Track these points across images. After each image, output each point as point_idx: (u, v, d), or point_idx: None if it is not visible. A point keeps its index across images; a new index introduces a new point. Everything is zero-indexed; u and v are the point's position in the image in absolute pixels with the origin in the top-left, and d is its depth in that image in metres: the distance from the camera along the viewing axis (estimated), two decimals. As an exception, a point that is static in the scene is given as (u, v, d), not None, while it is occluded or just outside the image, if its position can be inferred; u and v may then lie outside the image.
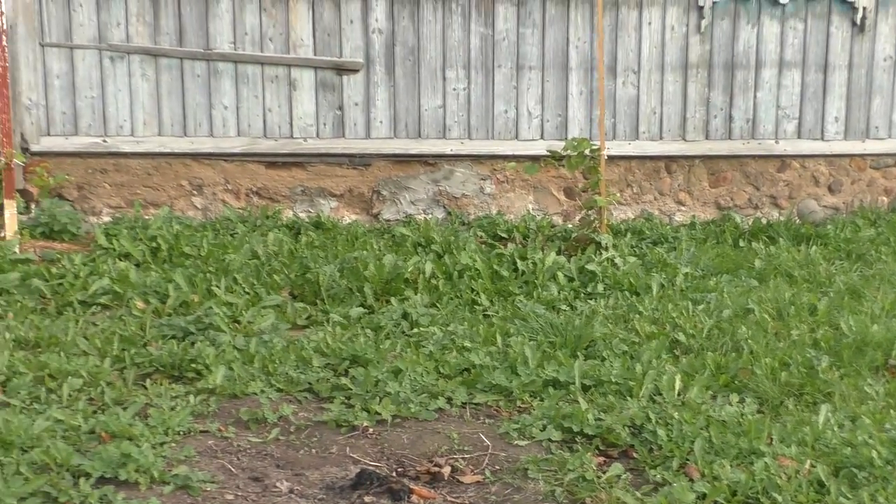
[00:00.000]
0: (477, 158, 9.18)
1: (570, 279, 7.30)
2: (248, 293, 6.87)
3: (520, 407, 5.25)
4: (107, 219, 8.77)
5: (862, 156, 9.72)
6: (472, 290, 7.05)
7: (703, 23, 9.19)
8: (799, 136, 9.56)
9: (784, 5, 9.27)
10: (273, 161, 8.95)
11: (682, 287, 7.24)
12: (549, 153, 8.27)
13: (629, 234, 8.46)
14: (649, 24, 9.20)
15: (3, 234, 7.30)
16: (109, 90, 8.65)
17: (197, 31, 8.69)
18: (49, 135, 8.61)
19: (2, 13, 7.06)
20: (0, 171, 7.23)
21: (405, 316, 6.49)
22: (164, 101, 8.73)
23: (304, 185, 9.02)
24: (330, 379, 5.47)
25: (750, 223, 9.25)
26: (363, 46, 8.91)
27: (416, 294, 6.95)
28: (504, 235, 8.70)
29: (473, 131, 9.12)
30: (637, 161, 9.33)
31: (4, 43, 7.10)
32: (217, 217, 8.84)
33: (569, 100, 9.19)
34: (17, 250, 7.10)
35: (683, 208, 9.56)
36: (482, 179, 9.23)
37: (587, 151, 7.99)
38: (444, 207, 9.21)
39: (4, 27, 7.07)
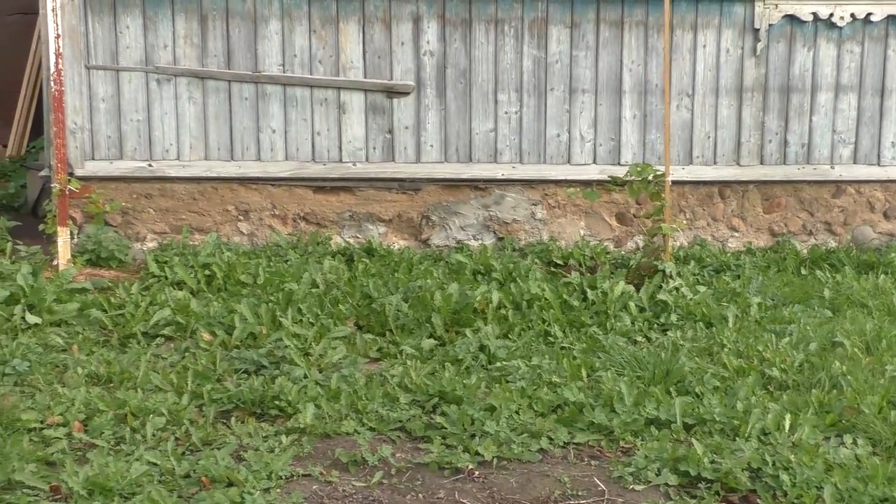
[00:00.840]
0: (528, 183, 8.97)
1: (641, 309, 7.09)
2: (313, 324, 6.64)
3: (623, 447, 5.04)
4: (151, 244, 8.53)
5: (920, 181, 9.53)
6: (544, 321, 6.83)
7: (759, 45, 9.01)
8: (854, 162, 9.37)
9: (841, 28, 9.09)
10: (321, 186, 8.73)
11: (757, 318, 7.03)
12: (609, 178, 8.07)
13: (692, 262, 8.23)
14: (704, 46, 9.02)
15: (56, 262, 7.06)
16: (156, 113, 8.42)
17: (245, 53, 8.48)
18: (94, 159, 8.38)
19: (58, 35, 6.83)
20: (55, 198, 6.97)
21: (482, 348, 6.26)
22: (210, 124, 8.51)
23: (352, 210, 8.79)
24: (421, 417, 5.24)
25: (807, 250, 9.05)
26: (414, 69, 8.70)
27: (485, 325, 6.73)
28: (559, 262, 8.49)
29: (525, 155, 8.92)
30: (690, 186, 9.13)
31: (60, 66, 6.86)
32: (265, 243, 8.62)
33: (622, 123, 8.99)
34: (73, 279, 6.84)
35: (737, 234, 9.35)
36: (533, 205, 9.02)
37: (650, 177, 7.78)
38: (495, 233, 8.99)
39: (60, 50, 6.84)
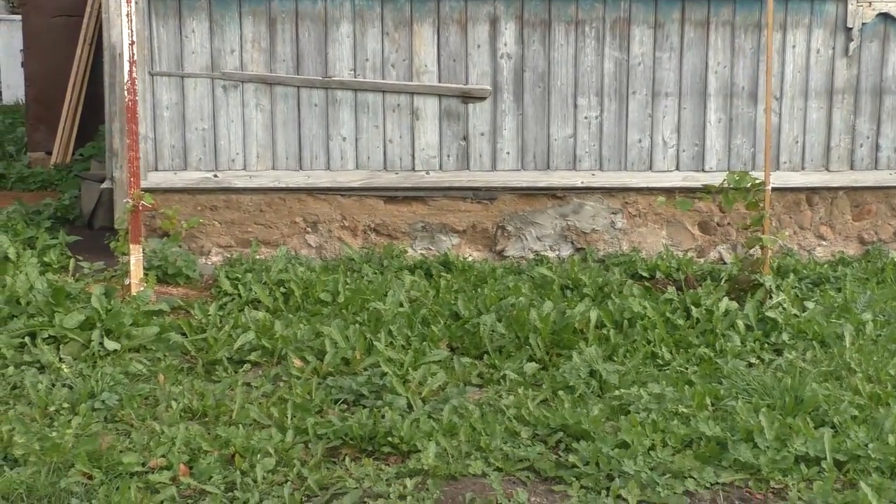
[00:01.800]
0: (608, 191, 8.55)
1: (749, 328, 6.66)
2: (406, 347, 6.23)
3: (773, 488, 4.61)
4: (216, 259, 8.14)
5: None
6: (648, 342, 6.40)
7: (851, 45, 8.58)
8: (949, 166, 8.94)
9: (936, 26, 8.67)
10: (393, 196, 8.32)
11: (874, 336, 6.60)
12: (701, 186, 7.66)
13: (790, 275, 7.79)
14: (793, 47, 8.59)
15: (128, 282, 6.65)
16: (221, 121, 8.03)
17: (315, 58, 8.07)
18: (157, 170, 7.99)
19: (132, 42, 6.42)
20: (128, 214, 6.57)
21: (592, 373, 5.84)
22: (278, 132, 8.11)
23: (424, 220, 8.38)
24: (548, 455, 4.83)
25: (899, 259, 8.63)
26: (490, 72, 8.29)
27: (587, 346, 6.31)
28: (645, 275, 8.06)
29: (605, 162, 8.50)
30: (777, 193, 8.67)
31: (135, 74, 6.46)
32: (334, 256, 8.22)
33: (706, 128, 8.57)
34: (150, 301, 6.45)
35: (824, 243, 8.93)
36: (613, 213, 8.60)
37: (748, 185, 7.35)
38: (573, 243, 8.58)
39: (134, 57, 6.44)
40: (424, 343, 6.27)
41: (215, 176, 8.03)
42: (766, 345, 6.50)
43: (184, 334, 6.34)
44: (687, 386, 5.66)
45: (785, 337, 6.55)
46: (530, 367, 6.03)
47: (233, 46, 7.95)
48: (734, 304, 6.89)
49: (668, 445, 4.88)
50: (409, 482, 4.48)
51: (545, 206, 8.52)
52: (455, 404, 5.32)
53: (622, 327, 6.61)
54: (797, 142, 8.71)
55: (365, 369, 5.91)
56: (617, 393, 5.50)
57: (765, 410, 5.15)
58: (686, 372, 5.98)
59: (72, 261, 7.55)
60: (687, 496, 4.49)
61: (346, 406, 5.46)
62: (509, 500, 4.34)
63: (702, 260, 8.66)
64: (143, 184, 7.80)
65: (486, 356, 6.25)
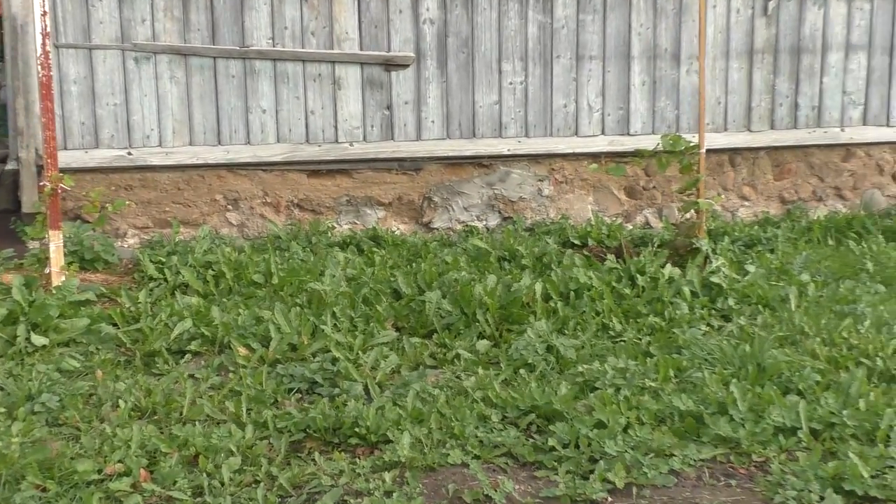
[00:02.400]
0: (534, 158, 8.40)
1: (694, 294, 6.58)
2: (353, 329, 5.99)
3: (756, 461, 4.51)
4: (132, 241, 7.77)
5: (928, 142, 9.21)
6: (597, 313, 6.27)
7: (770, 5, 8.55)
8: (864, 123, 9.01)
9: (852, -16, 8.69)
10: (316, 169, 8.03)
11: (816, 298, 6.58)
12: (636, 151, 7.53)
13: (725, 238, 7.74)
14: (714, 6, 8.52)
15: (47, 271, 6.26)
16: (134, 95, 7.62)
17: (231, 27, 7.72)
18: (66, 148, 7.55)
19: (45, 13, 6.01)
20: (45, 198, 6.18)
21: (549, 348, 5.68)
22: (195, 106, 7.74)
23: (349, 194, 8.12)
24: (523, 439, 4.65)
25: (823, 217, 8.65)
26: (413, 38, 8.03)
27: (535, 320, 6.15)
28: (577, 242, 7.94)
29: (531, 128, 8.33)
30: (690, 155, 8.62)
31: (48, 48, 6.05)
32: (258, 234, 7.91)
33: (630, 91, 8.46)
34: (75, 290, 6.08)
35: (747, 203, 8.92)
36: (540, 180, 8.45)
37: (682, 148, 7.26)
38: (500, 213, 8.41)
39: (47, 29, 6.02)
40: (371, 324, 6.04)
41: (129, 154, 7.64)
42: (713, 311, 6.43)
43: (115, 325, 6.00)
44: (647, 358, 5.53)
45: (731, 302, 6.48)
46: (482, 344, 5.85)
47: (143, 15, 7.54)
48: (677, 271, 6.80)
49: (643, 423, 4.75)
50: (386, 476, 4.26)
51: (472, 176, 8.33)
52: (417, 389, 5.11)
53: (569, 299, 6.46)
54: (720, 103, 8.66)
55: (313, 355, 5.67)
56: (580, 369, 5.34)
57: (735, 382, 5.05)
58: (640, 343, 5.86)
59: (-20, 249, 7.11)
60: (673, 475, 4.36)
61: (300, 395, 5.22)
62: (496, 490, 4.15)
63: (629, 225, 8.58)
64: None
65: (434, 335, 6.05)
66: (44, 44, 6.03)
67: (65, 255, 7.03)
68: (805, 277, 6.90)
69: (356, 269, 6.92)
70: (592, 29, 8.30)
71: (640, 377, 5.21)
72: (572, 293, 6.49)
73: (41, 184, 6.26)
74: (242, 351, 5.64)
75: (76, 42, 7.44)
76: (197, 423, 4.74)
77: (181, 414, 4.88)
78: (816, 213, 8.86)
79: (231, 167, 7.85)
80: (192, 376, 5.38)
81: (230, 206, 7.93)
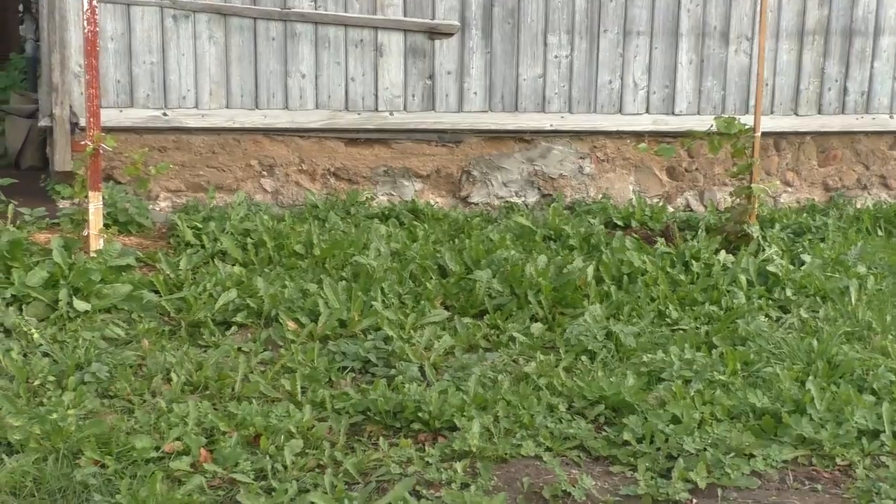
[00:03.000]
0: (577, 135, 8.17)
1: (750, 283, 6.38)
2: (403, 306, 5.79)
3: (840, 465, 4.32)
4: (164, 204, 7.54)
5: (980, 131, 9.00)
6: (652, 299, 6.07)
7: (825, -16, 8.31)
8: (915, 111, 8.78)
9: (908, -35, 8.45)
10: (355, 138, 7.80)
11: (875, 291, 6.39)
12: (688, 132, 7.33)
13: (776, 225, 7.53)
14: (765, -15, 8.27)
15: (85, 233, 6.04)
16: (171, 55, 7.38)
17: (273, -13, 7.46)
18: (101, 107, 7.28)
19: (93, -35, 5.76)
20: (86, 157, 5.94)
21: (609, 335, 5.48)
22: (233, 68, 7.49)
23: (387, 164, 7.89)
24: (593, 431, 4.45)
25: (871, 206, 8.45)
26: (458, 6, 7.79)
27: (590, 303, 5.96)
28: (619, 223, 7.73)
29: (574, 104, 8.10)
30: (745, 138, 8.40)
31: (95, 2, 5.80)
32: (292, 202, 7.69)
33: (677, 70, 8.23)
34: (116, 254, 5.85)
35: (790, 189, 8.72)
36: (581, 158, 8.23)
37: (737, 131, 7.05)
38: (539, 189, 8.19)
39: (95, -18, 5.78)
40: (421, 302, 5.84)
41: (165, 115, 7.40)
42: (770, 301, 6.23)
43: (156, 292, 5.78)
44: (710, 349, 5.34)
45: (788, 292, 6.28)
46: (536, 327, 5.66)
47: (184, -27, 7.29)
48: (730, 258, 6.61)
49: (718, 419, 4.55)
50: (458, 466, 4.06)
51: (512, 151, 8.11)
52: (477, 373, 4.91)
53: (621, 283, 6.27)
54: (767, 84, 8.43)
55: (364, 332, 5.48)
56: (644, 359, 5.14)
57: (811, 380, 4.85)
58: (699, 332, 5.66)
59: (10, 206, 6.86)
60: (755, 476, 4.17)
61: (354, 374, 5.02)
62: (574, 486, 3.95)
63: (670, 207, 8.36)
64: (85, 122, 7.16)
65: (486, 316, 5.84)
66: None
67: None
68: (861, 269, 6.70)
69: (399, 244, 6.70)
70: (641, 3, 8.06)
71: (707, 370, 5.01)
72: (625, 277, 6.29)
73: (82, 142, 6.03)
74: (291, 325, 5.44)
75: (114, -4, 7.19)
76: (252, 400, 4.53)
77: (234, 390, 4.67)
78: (861, 202, 8.66)
79: (267, 132, 7.62)
80: (240, 350, 5.17)
81: (265, 173, 7.70)
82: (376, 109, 7.75)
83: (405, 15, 7.68)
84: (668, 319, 5.88)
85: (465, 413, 4.48)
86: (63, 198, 7.32)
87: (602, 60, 8.07)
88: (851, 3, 8.44)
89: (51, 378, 4.57)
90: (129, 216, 6.90)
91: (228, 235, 6.59)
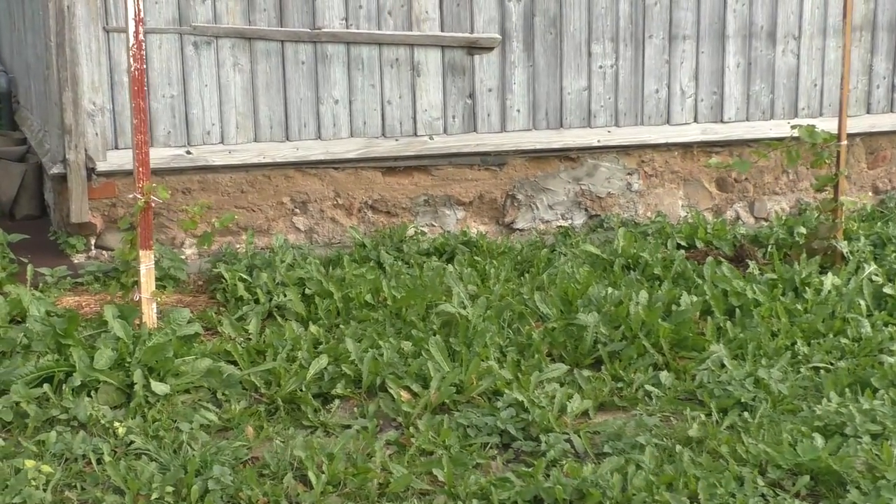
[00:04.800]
0: (624, 149, 7.59)
1: (868, 309, 5.86)
2: (513, 361, 5.14)
3: None
4: (190, 252, 6.79)
5: None
6: (773, 334, 5.51)
7: (870, -25, 7.85)
8: (963, 105, 8.37)
9: (957, -47, 8.02)
10: (393, 166, 7.12)
11: None
12: (765, 142, 6.79)
13: (861, 238, 7.01)
14: (811, -20, 7.79)
15: (136, 297, 5.28)
16: (193, 86, 6.62)
17: (300, 6, 6.75)
18: (117, 148, 6.54)
19: (138, -8, 5.00)
20: (136, 212, 5.19)
21: (757, 382, 4.89)
22: (260, 96, 6.76)
23: (427, 193, 7.23)
24: (811, 509, 3.87)
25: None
26: (498, 18, 7.15)
27: (707, 343, 5.37)
28: (683, 244, 7.16)
29: (621, 117, 7.52)
30: (795, 143, 7.90)
31: (141, 36, 5.04)
32: (329, 240, 7.00)
33: (725, 74, 7.70)
34: (185, 322, 5.10)
35: (839, 194, 8.22)
36: (629, 174, 7.66)
37: (820, 140, 6.54)
38: (586, 210, 7.59)
39: (141, 13, 5.01)
40: (531, 355, 5.20)
41: (188, 153, 6.64)
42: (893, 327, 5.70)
43: (232, 363, 5.05)
44: (873, 392, 4.79)
45: (913, 316, 5.77)
46: (664, 377, 5.05)
47: (204, -6, 6.54)
48: (839, 281, 6.08)
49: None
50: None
51: (557, 170, 7.49)
52: (643, 441, 4.29)
53: (733, 316, 5.70)
54: (815, 85, 7.95)
55: (483, 396, 4.82)
56: (818, 411, 4.56)
57: None
58: (840, 371, 5.09)
59: (29, 267, 6.07)
60: None
61: (496, 451, 4.37)
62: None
63: (718, 219, 7.81)
64: (102, 165, 6.42)
65: (602, 366, 5.22)
66: (136, 31, 5.02)
67: (122, 272, 6.07)
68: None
69: (473, 285, 6.05)
70: (686, 5, 7.51)
71: (890, 420, 4.45)
72: (737, 310, 5.72)
73: (131, 196, 5.26)
74: (406, 396, 4.75)
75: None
76: (403, 497, 3.86)
77: (381, 486, 3.98)
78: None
79: (300, 166, 6.90)
80: (346, 427, 4.49)
81: (297, 210, 6.98)
82: (415, 134, 7.08)
83: (442, 30, 7.02)
84: (799, 357, 5.31)
85: (656, 497, 3.86)
86: (78, 252, 6.56)
87: (648, 68, 7.50)
88: (882, -6, 8.00)
89: (168, 489, 3.84)
90: (162, 270, 6.13)
91: (289, 287, 5.87)
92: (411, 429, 4.48)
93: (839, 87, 7.74)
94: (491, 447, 4.41)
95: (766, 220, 7.97)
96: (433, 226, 7.26)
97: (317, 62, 6.80)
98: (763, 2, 7.67)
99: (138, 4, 5.00)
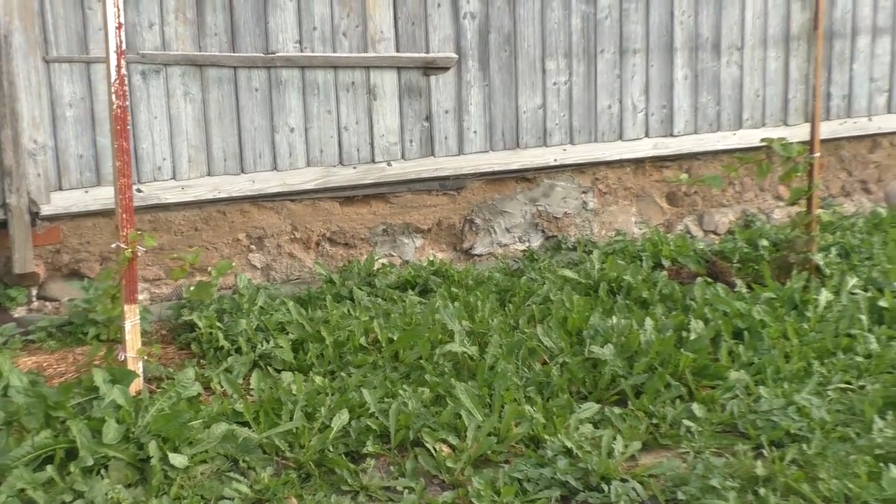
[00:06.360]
0: (579, 168, 7.39)
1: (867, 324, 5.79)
2: (548, 402, 4.86)
3: None
4: (142, 297, 6.28)
5: (944, 127, 8.77)
6: (786, 356, 5.37)
7: (808, -15, 7.85)
8: (889, 111, 8.45)
9: (882, -38, 8.10)
10: (351, 196, 6.76)
11: None
12: (739, 157, 6.69)
13: (831, 249, 6.95)
14: (751, -11, 7.74)
15: (121, 356, 4.80)
16: (142, 119, 6.13)
17: (253, 29, 6.32)
18: (62, 188, 6.01)
19: (120, 25, 4.51)
20: (119, 265, 4.71)
21: (799, 410, 4.73)
22: (213, 127, 6.31)
23: (386, 221, 6.88)
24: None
25: (867, 212, 8.05)
26: (453, 36, 6.86)
27: (731, 371, 5.20)
28: (650, 263, 6.99)
29: (576, 134, 7.32)
30: (740, 153, 7.83)
31: (123, 70, 4.56)
32: (287, 276, 6.59)
33: (674, 87, 7.58)
34: (188, 383, 4.65)
35: (781, 203, 8.22)
36: (584, 192, 7.46)
37: (793, 154, 6.46)
38: (543, 231, 7.37)
39: (122, 45, 4.53)
40: (559, 395, 4.93)
41: (139, 191, 6.14)
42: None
43: (243, 423, 4.63)
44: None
45: (911, 329, 5.71)
46: (697, 409, 4.84)
47: (151, 18, 6.05)
48: (832, 297, 6.00)
49: None
50: None
51: (514, 192, 7.24)
52: (715, 485, 4.07)
53: (742, 339, 5.54)
54: (758, 96, 7.90)
55: (523, 444, 4.52)
56: (877, 438, 4.41)
57: None
58: (873, 391, 4.98)
59: (-23, 327, 5.51)
60: None
61: (558, 505, 4.09)
62: None
63: (676, 235, 7.70)
64: (47, 209, 5.90)
65: (627, 401, 4.98)
66: (119, 65, 4.54)
67: (81, 323, 5.58)
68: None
69: (468, 321, 5.75)
70: (636, 18, 7.35)
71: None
72: (745, 332, 5.56)
73: (113, 245, 4.76)
74: (446, 450, 4.42)
75: (70, 55, 5.89)
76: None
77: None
78: (846, 209, 8.27)
79: (256, 199, 6.47)
80: (390, 490, 4.14)
81: (253, 246, 6.55)
82: (373, 160, 6.73)
83: (398, 50, 6.69)
84: (818, 378, 5.17)
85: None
86: (19, 304, 6.01)
87: (601, 83, 7.31)
88: (830, 5, 8.00)
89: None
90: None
91: (271, 334, 5.46)
92: (463, 488, 4.14)
93: (781, 97, 7.74)
94: (554, 500, 4.11)
95: (714, 232, 7.89)
96: (392, 255, 6.92)
97: (271, 88, 6.39)
98: (707, 13, 7.57)
99: (119, 36, 4.53)
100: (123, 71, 4.57)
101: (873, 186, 8.55)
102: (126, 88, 4.58)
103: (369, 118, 6.67)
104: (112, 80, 4.57)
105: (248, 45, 6.30)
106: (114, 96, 4.58)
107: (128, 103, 4.64)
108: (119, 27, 4.52)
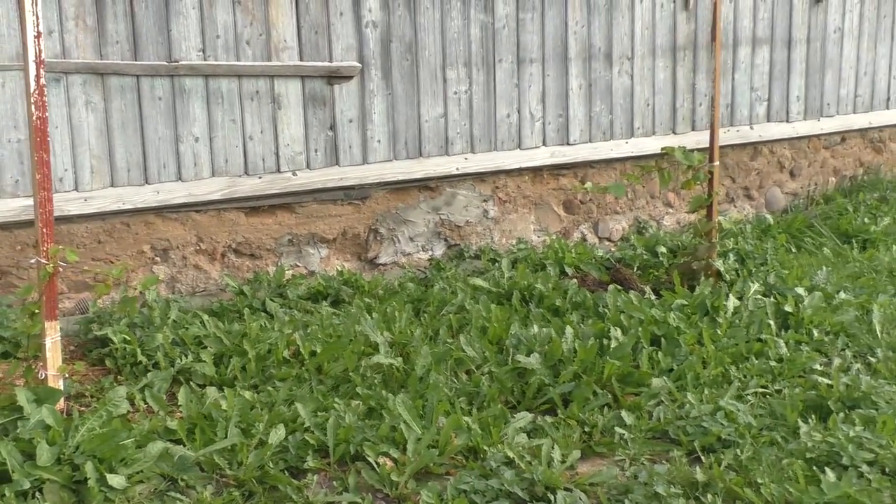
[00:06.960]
0: (480, 176, 7.44)
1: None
2: (477, 413, 4.87)
3: None
4: (42, 313, 6.05)
5: (818, 136, 9.10)
6: (703, 362, 5.50)
7: (692, -1, 8.06)
8: (768, 120, 8.74)
9: (761, -25, 8.37)
10: (256, 206, 6.65)
11: (890, 320, 6.14)
12: (640, 166, 6.82)
13: (730, 255, 7.12)
14: (641, 1, 7.89)
15: (42, 374, 4.62)
16: (42, 128, 5.90)
17: (156, 37, 6.17)
18: (-41, 201, 5.76)
19: (39, 34, 4.35)
20: (40, 281, 4.54)
21: (727, 416, 4.84)
22: (116, 137, 6.14)
23: (292, 232, 6.80)
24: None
25: (773, 219, 8.27)
26: (356, 45, 6.82)
27: (653, 378, 5.29)
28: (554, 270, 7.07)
29: (476, 143, 7.36)
30: (632, 161, 8.02)
31: (43, 81, 4.40)
32: (193, 288, 6.45)
33: (569, 96, 7.68)
34: (121, 401, 4.50)
35: (671, 210, 8.41)
36: (485, 201, 7.51)
37: (694, 163, 6.62)
38: (446, 240, 7.38)
39: (42, 55, 4.37)
40: (489, 404, 4.95)
41: (40, 203, 5.91)
42: (805, 346, 5.80)
43: (176, 441, 4.51)
44: (839, 415, 4.84)
45: (816, 333, 5.90)
46: (626, 417, 4.91)
47: (50, 25, 5.85)
48: (738, 303, 6.16)
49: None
50: None
51: (418, 201, 7.24)
52: (661, 492, 4.14)
53: (660, 346, 5.64)
54: (648, 104, 8.07)
55: (462, 455, 4.52)
56: (809, 443, 4.53)
57: None
58: (791, 395, 5.12)
59: None
60: None
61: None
62: None
63: (575, 242, 7.80)
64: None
65: (556, 409, 5.03)
66: (38, 75, 4.38)
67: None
68: (847, 296, 6.44)
69: (388, 332, 5.72)
70: (532, 28, 7.43)
71: (879, 446, 4.49)
72: (662, 338, 5.67)
73: (33, 261, 4.59)
74: (389, 464, 4.38)
75: (-33, 61, 5.65)
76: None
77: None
78: (731, 215, 8.51)
79: (160, 210, 6.32)
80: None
81: (158, 258, 6.39)
82: (278, 170, 6.64)
83: (302, 59, 6.62)
84: (736, 383, 5.31)
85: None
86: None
87: (500, 93, 7.37)
88: (712, 15, 8.21)
89: None
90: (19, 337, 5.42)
91: (190, 348, 5.33)
92: (409, 501, 4.12)
93: (669, 106, 7.92)
94: (507, 513, 4.12)
95: (609, 239, 8.02)
96: (297, 266, 6.84)
97: (175, 97, 6.24)
98: (599, 24, 7.70)
99: (38, 45, 4.37)
100: (43, 81, 4.41)
101: (755, 193, 8.82)
102: (46, 99, 4.41)
103: (274, 127, 6.58)
104: (31, 90, 4.40)
105: (151, 53, 6.14)
106: (33, 107, 4.41)
107: (48, 114, 4.46)
108: (38, 36, 4.36)
